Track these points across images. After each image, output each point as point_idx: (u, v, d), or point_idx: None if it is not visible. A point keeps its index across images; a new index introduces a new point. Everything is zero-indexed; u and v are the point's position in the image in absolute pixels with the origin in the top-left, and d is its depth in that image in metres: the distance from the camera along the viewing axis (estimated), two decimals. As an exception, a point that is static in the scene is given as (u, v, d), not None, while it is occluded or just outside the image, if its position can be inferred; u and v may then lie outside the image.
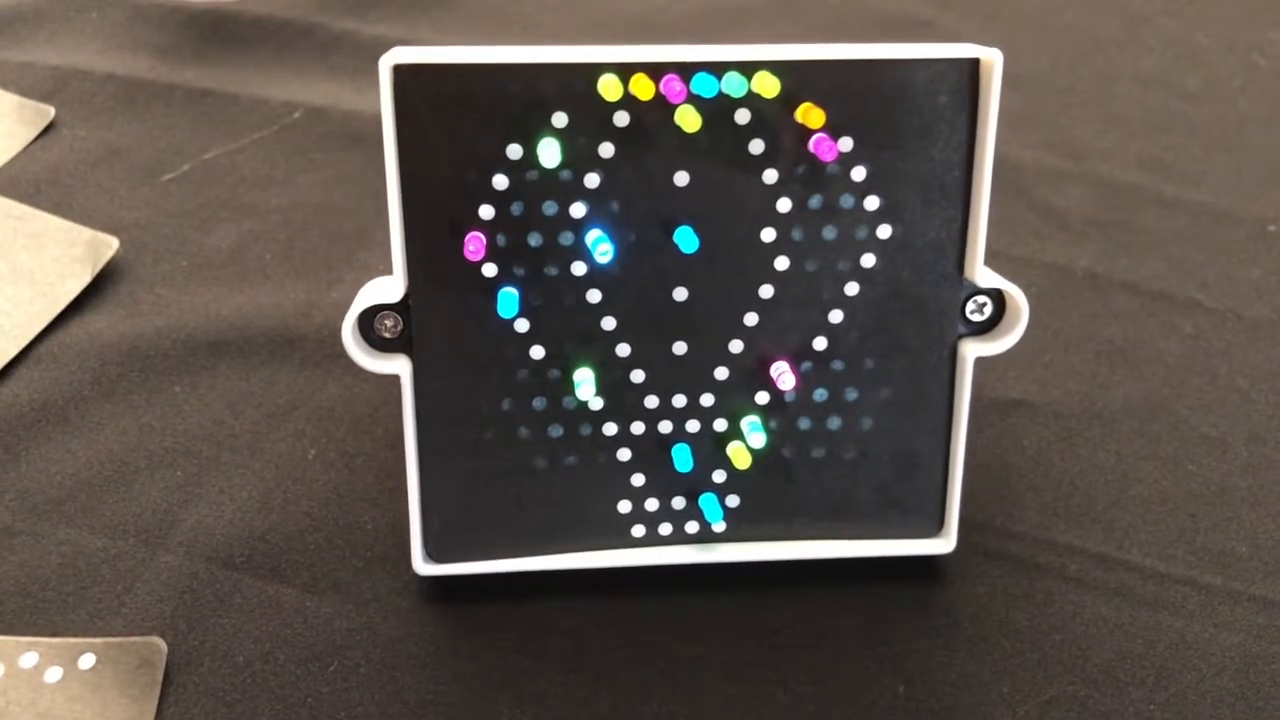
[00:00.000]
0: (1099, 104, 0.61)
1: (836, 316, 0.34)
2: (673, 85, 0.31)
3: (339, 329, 0.45)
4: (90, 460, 0.41)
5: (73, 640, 0.34)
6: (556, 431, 0.35)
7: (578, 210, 0.32)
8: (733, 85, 0.32)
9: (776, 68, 0.32)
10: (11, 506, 0.39)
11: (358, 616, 0.36)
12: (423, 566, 0.36)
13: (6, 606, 0.36)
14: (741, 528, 0.36)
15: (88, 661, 0.34)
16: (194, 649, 0.35)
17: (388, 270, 0.34)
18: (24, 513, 0.39)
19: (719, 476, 0.36)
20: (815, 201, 0.33)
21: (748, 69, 0.32)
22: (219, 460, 0.41)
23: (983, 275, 0.34)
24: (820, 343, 0.35)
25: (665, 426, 0.35)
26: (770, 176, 0.33)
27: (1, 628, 0.35)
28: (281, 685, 0.34)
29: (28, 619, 0.36)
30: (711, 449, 0.35)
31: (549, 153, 0.31)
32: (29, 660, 0.34)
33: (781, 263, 0.34)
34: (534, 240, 0.33)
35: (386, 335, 0.34)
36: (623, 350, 0.34)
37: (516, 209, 0.32)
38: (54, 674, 0.34)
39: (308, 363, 0.45)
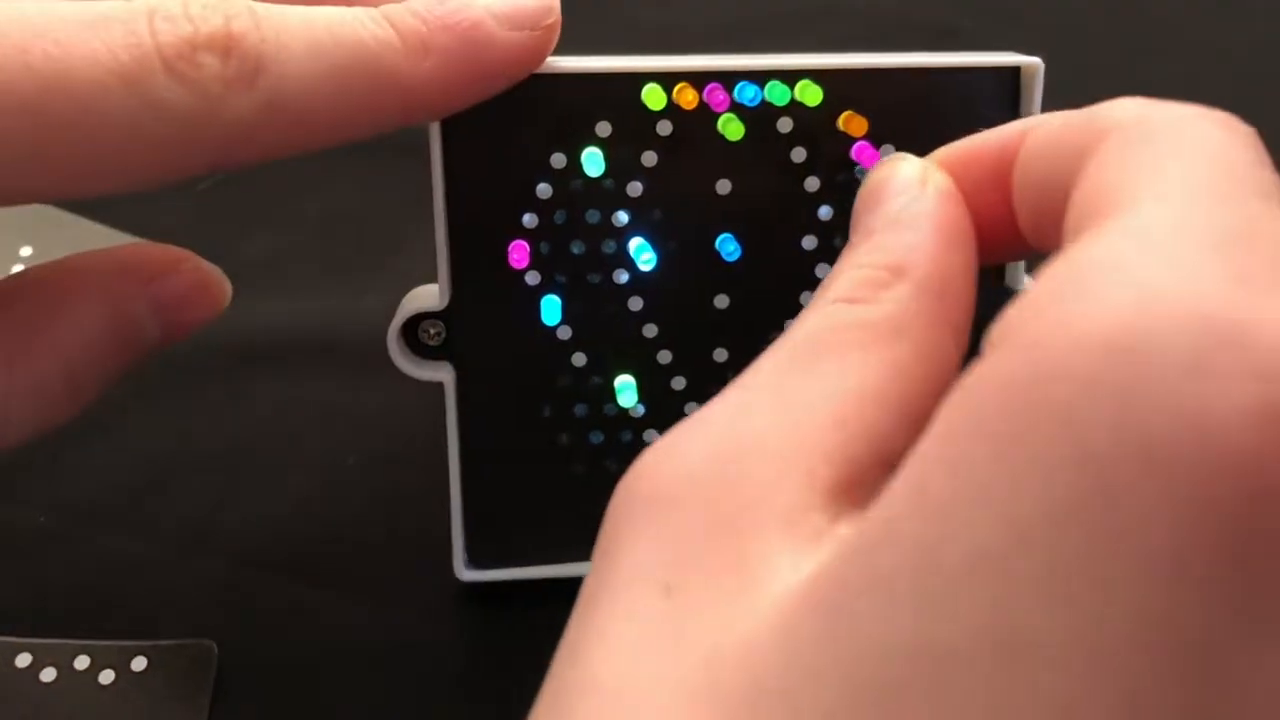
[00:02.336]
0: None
1: None
2: (716, 94, 0.32)
3: (376, 336, 0.45)
4: (131, 466, 0.41)
5: (123, 643, 0.35)
6: (597, 438, 0.35)
7: (620, 218, 0.33)
8: (776, 94, 0.32)
9: (819, 76, 0.32)
10: (55, 513, 0.40)
11: (399, 622, 0.36)
12: (465, 573, 0.36)
13: (52, 612, 0.36)
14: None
15: (139, 664, 0.34)
16: (236, 654, 0.35)
17: (424, 277, 0.35)
18: (67, 519, 0.39)
19: (759, 482, 0.36)
20: (856, 209, 0.33)
21: (790, 78, 0.32)
22: (258, 466, 0.41)
23: (1024, 282, 0.34)
24: None
25: (706, 433, 0.35)
26: (812, 184, 0.33)
27: (49, 633, 0.35)
28: (324, 690, 0.34)
29: (72, 624, 0.36)
30: None
31: (593, 162, 0.32)
32: (82, 663, 0.34)
33: (822, 270, 0.34)
34: (576, 248, 0.33)
35: (430, 343, 0.34)
36: (664, 357, 0.34)
37: (559, 217, 0.33)
38: (107, 676, 0.34)
39: (345, 369, 0.45)
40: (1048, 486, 0.16)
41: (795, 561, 0.19)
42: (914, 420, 0.21)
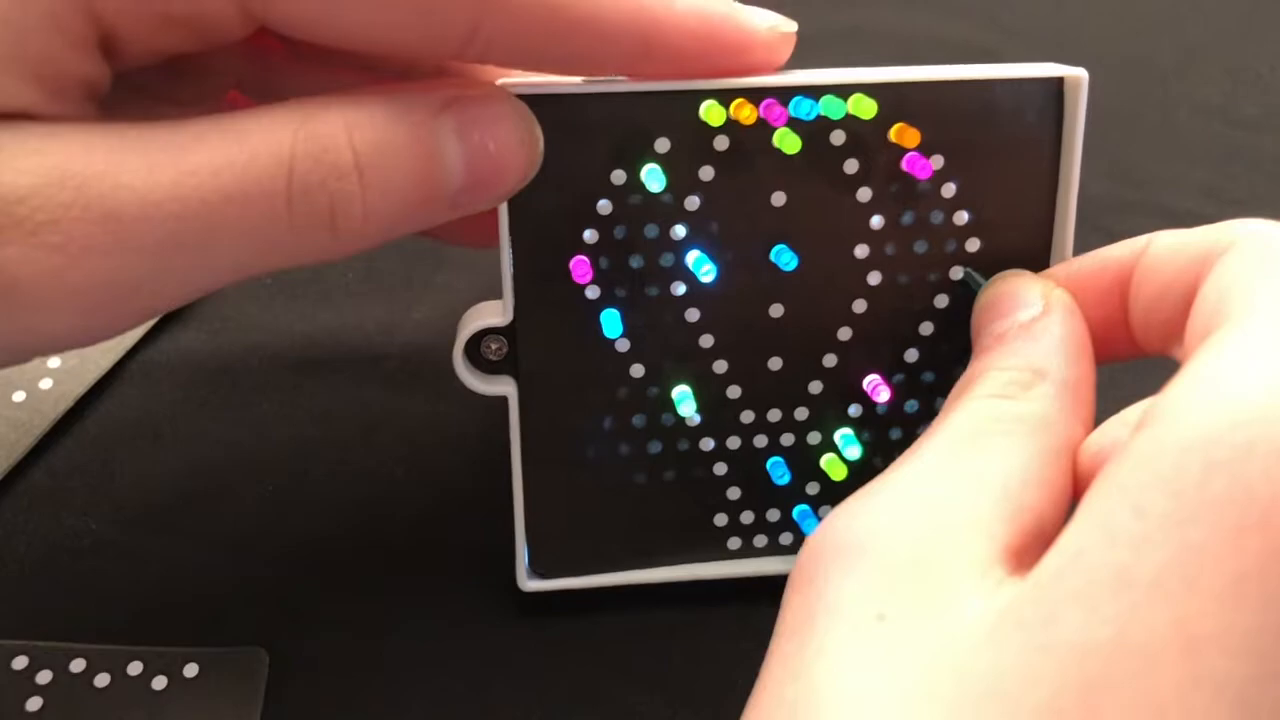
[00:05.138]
0: (1160, 133, 0.61)
1: (927, 328, 0.35)
2: (773, 109, 0.32)
3: (422, 348, 0.46)
4: (183, 474, 0.42)
5: (175, 649, 0.35)
6: (655, 448, 0.35)
7: (678, 232, 0.33)
8: (831, 108, 0.32)
9: (873, 90, 0.32)
10: (108, 519, 0.40)
11: (449, 632, 0.37)
12: (528, 583, 0.36)
13: (105, 619, 0.37)
14: (834, 539, 0.37)
15: (191, 670, 0.35)
16: (288, 662, 0.35)
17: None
18: (120, 525, 0.40)
19: (813, 488, 0.36)
20: (907, 218, 0.34)
21: (844, 92, 0.32)
22: (308, 476, 0.42)
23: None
24: (911, 354, 0.35)
25: (760, 440, 0.36)
26: (864, 195, 0.33)
27: (102, 639, 0.36)
28: (376, 700, 0.35)
29: (125, 630, 0.36)
30: (806, 461, 0.36)
31: (653, 177, 0.32)
32: (135, 669, 0.35)
33: (874, 278, 0.34)
34: (635, 262, 0.33)
35: (492, 357, 0.34)
36: (720, 367, 0.35)
37: (619, 232, 0.33)
38: (159, 682, 0.34)
39: (392, 381, 0.45)
40: (1220, 518, 0.21)
41: (989, 599, 0.23)
42: (1061, 502, 0.26)
